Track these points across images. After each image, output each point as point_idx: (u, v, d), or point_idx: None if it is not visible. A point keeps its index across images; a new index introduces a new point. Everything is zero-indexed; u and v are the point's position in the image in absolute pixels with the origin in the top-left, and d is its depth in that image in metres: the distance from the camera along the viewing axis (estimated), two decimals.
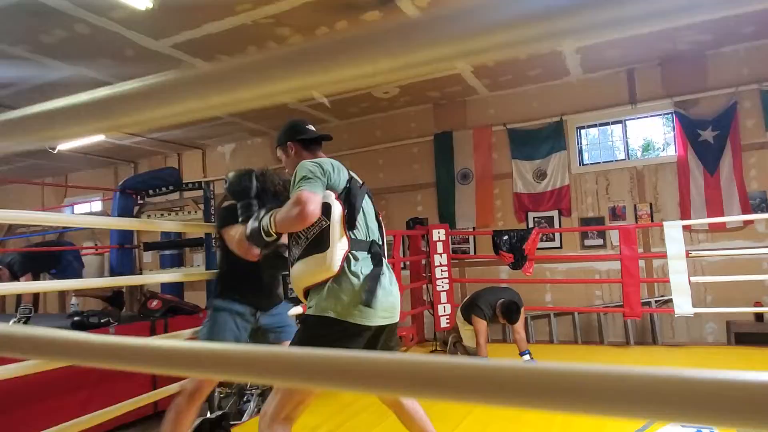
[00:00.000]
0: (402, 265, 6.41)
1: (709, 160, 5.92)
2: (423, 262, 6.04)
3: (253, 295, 2.50)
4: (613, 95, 6.47)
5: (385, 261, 1.98)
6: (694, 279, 4.94)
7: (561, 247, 6.64)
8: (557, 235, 6.69)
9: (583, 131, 6.85)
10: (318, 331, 1.86)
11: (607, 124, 6.73)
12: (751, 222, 5.67)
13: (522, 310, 4.28)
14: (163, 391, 3.01)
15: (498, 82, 6.74)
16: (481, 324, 4.27)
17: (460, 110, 7.36)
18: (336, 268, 1.85)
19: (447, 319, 5.60)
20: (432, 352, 5.34)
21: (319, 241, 1.87)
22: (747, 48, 5.85)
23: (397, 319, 2.00)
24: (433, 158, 7.47)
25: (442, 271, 5.79)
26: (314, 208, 1.80)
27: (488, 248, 6.10)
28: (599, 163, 6.72)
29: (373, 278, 1.89)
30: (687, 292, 4.80)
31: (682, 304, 4.79)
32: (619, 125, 6.64)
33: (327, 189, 1.90)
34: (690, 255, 4.94)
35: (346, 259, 1.88)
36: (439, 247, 5.83)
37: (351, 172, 2.10)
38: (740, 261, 5.48)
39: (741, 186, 5.78)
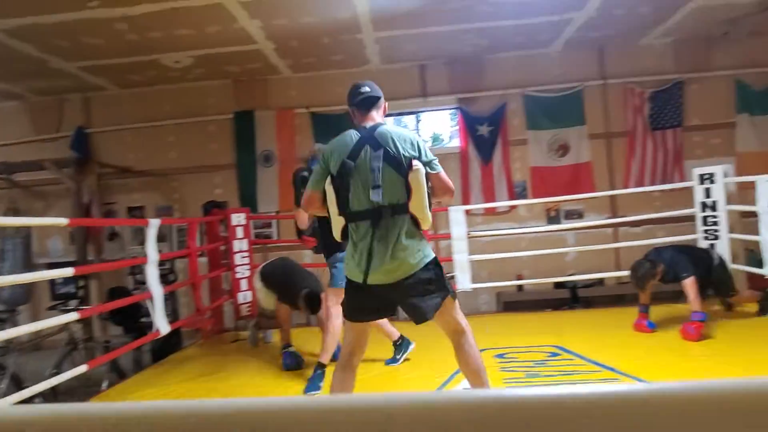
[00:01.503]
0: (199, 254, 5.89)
1: (485, 152, 6.76)
2: (222, 248, 5.65)
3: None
4: (408, 87, 6.89)
5: (384, 222, 2.24)
6: (471, 257, 5.57)
7: None
8: None
9: None
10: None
11: (403, 113, 7.16)
12: (515, 207, 6.66)
13: (323, 295, 4.28)
14: None
15: (301, 63, 6.61)
16: (286, 310, 4.17)
17: (261, 89, 7.04)
18: (338, 236, 2.38)
19: (248, 307, 5.34)
20: (233, 342, 5.05)
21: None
22: (515, 56, 6.78)
23: (395, 279, 2.25)
24: (233, 138, 7.04)
25: (242, 257, 5.50)
26: (305, 202, 2.46)
27: (292, 232, 5.98)
28: None
29: (351, 244, 2.33)
30: (467, 269, 5.39)
31: (464, 281, 5.38)
32: (413, 116, 7.12)
33: (329, 173, 2.34)
34: (470, 236, 5.56)
35: (347, 228, 2.33)
36: (240, 232, 5.51)
37: (371, 139, 2.30)
38: (507, 240, 6.38)
39: (508, 175, 6.74)
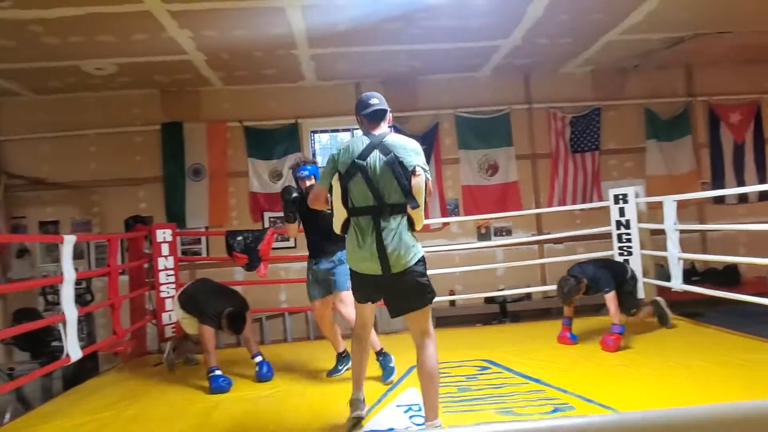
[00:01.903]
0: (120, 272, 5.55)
1: None
2: (146, 266, 5.36)
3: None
4: (343, 104, 6.91)
5: (385, 219, 2.49)
6: None
7: (295, 247, 6.77)
8: None
9: (316, 135, 7.15)
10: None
11: (337, 130, 7.17)
12: (447, 224, 6.82)
13: (248, 314, 4.15)
14: None
15: (233, 76, 6.48)
16: (209, 332, 3.98)
17: (192, 100, 6.82)
18: (338, 230, 2.64)
19: (173, 328, 5.08)
20: (156, 365, 4.76)
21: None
22: (447, 78, 7.01)
23: (394, 271, 2.50)
24: (160, 150, 6.74)
25: (167, 275, 5.24)
26: (313, 198, 2.79)
27: (222, 249, 5.78)
28: None
29: (352, 237, 2.58)
30: None
31: None
32: (349, 133, 7.15)
33: (336, 171, 2.58)
34: None
35: (348, 222, 2.58)
36: (165, 249, 5.26)
37: (380, 143, 2.56)
38: (439, 257, 6.49)
39: (441, 194, 6.90)
